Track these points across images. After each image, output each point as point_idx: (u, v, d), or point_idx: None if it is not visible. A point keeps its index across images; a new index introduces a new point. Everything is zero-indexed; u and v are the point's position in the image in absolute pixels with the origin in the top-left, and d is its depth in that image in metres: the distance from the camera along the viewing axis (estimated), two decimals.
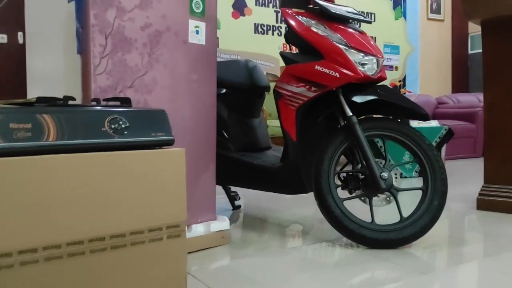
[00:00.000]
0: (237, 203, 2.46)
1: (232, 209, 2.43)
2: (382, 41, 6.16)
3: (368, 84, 1.75)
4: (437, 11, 6.78)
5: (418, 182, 1.74)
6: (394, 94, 1.75)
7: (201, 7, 1.69)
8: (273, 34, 5.31)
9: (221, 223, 1.77)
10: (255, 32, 5.26)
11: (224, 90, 2.09)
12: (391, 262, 1.52)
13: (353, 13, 1.83)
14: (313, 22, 1.76)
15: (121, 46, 1.48)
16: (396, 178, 1.74)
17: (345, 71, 1.68)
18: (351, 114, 1.72)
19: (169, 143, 1.17)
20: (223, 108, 2.11)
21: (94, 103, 1.29)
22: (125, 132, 1.08)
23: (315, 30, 1.74)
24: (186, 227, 1.68)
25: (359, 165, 1.77)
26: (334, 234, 1.80)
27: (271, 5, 5.34)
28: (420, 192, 1.73)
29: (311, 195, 1.79)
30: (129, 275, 1.06)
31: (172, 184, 1.13)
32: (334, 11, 1.73)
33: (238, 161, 1.99)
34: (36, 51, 1.71)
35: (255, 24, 5.24)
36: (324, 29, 1.74)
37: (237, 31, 5.10)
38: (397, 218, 1.70)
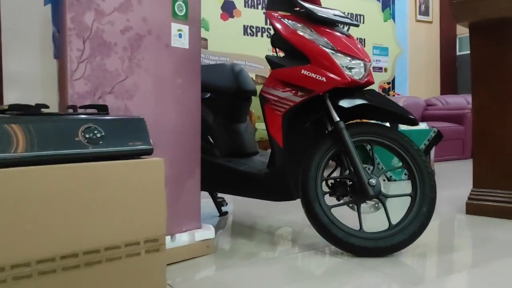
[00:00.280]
0: (224, 209, 2.42)
1: (219, 216, 2.38)
2: (371, 42, 6.16)
3: (355, 88, 1.71)
4: (426, 13, 6.80)
5: (408, 185, 1.71)
6: (382, 98, 1.72)
7: (184, 10, 1.64)
8: (262, 35, 5.27)
9: (206, 232, 1.72)
10: (244, 34, 5.22)
11: (209, 95, 2.05)
12: (379, 272, 1.49)
13: (340, 16, 1.79)
14: (299, 25, 1.72)
15: (100, 50, 1.43)
16: (384, 180, 1.71)
17: (332, 75, 1.65)
18: (338, 119, 1.68)
19: (148, 152, 1.12)
20: (209, 113, 2.06)
21: (71, 110, 1.24)
22: (100, 142, 1.03)
23: (301, 33, 1.70)
24: (170, 236, 1.64)
25: (347, 171, 1.73)
26: (322, 241, 1.77)
27: (260, 6, 5.30)
28: (408, 197, 1.70)
29: (300, 200, 1.75)
30: None
31: (150, 195, 1.08)
32: (320, 14, 1.70)
33: (224, 167, 1.95)
34: (12, 55, 1.65)
35: (244, 25, 5.20)
36: (311, 33, 1.70)
37: (226, 33, 5.06)
38: (386, 225, 1.67)
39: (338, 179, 1.75)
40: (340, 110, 1.69)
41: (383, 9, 6.30)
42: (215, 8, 5.01)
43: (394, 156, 2.41)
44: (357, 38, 6.01)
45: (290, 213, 2.42)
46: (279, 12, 1.79)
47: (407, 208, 1.68)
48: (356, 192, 1.68)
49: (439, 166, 4.45)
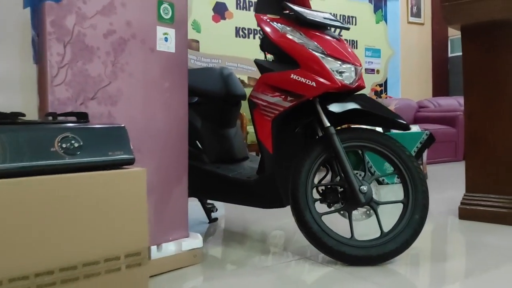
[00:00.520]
0: (214, 215, 2.37)
1: (209, 222, 2.33)
2: (364, 44, 6.15)
3: (346, 93, 1.68)
4: (417, 14, 6.81)
5: (400, 188, 1.67)
6: (373, 103, 1.69)
7: (170, 13, 1.60)
8: (254, 37, 5.23)
9: (194, 241, 1.68)
10: (236, 36, 5.18)
11: (196, 99, 2.00)
12: (371, 281, 1.45)
13: (330, 19, 1.76)
14: (288, 29, 1.68)
15: (82, 55, 1.38)
16: (376, 186, 1.68)
17: (322, 80, 1.61)
18: (328, 124, 1.64)
19: (129, 162, 1.07)
20: (197, 118, 2.01)
21: (50, 118, 1.19)
22: (78, 152, 0.98)
23: (290, 37, 1.67)
24: (156, 246, 1.59)
25: (338, 178, 1.70)
26: (313, 249, 1.72)
27: (252, 8, 5.26)
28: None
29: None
30: None
31: (132, 207, 1.04)
32: (310, 18, 1.66)
33: (212, 174, 1.90)
34: None
35: (236, 27, 5.16)
36: (300, 36, 1.66)
37: (218, 34, 5.02)
38: (377, 232, 1.63)
39: (329, 186, 1.71)
40: (331, 115, 1.65)
41: (375, 11, 6.29)
42: (206, 9, 4.97)
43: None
44: (349, 40, 6.00)
45: (282, 217, 2.38)
46: (268, 15, 1.75)
47: (399, 213, 1.65)
48: (347, 199, 1.65)
49: (432, 168, 4.44)
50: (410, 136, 3.58)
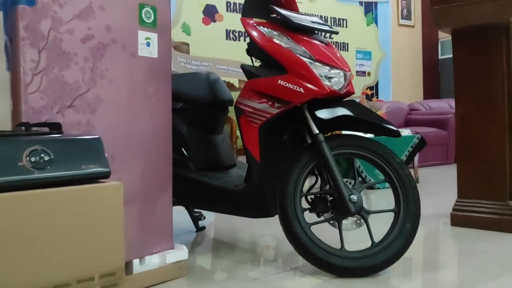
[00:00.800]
0: (201, 223, 2.31)
1: (196, 231, 2.27)
2: (355, 47, 6.13)
3: (335, 99, 1.63)
4: (408, 17, 6.81)
5: (391, 193, 1.62)
6: (363, 109, 1.64)
7: (153, 17, 1.54)
8: (245, 40, 5.18)
9: (179, 253, 1.61)
10: (226, 39, 5.13)
11: (180, 105, 1.94)
12: None
13: (319, 23, 1.71)
14: (275, 33, 1.63)
15: (58, 61, 1.32)
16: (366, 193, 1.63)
17: (310, 86, 1.56)
18: (317, 131, 1.59)
19: (104, 175, 1.01)
20: (183, 124, 1.95)
21: (22, 128, 1.13)
22: (48, 167, 0.92)
23: (277, 41, 1.61)
24: (139, 259, 1.53)
25: (328, 186, 1.65)
26: (303, 260, 1.67)
27: None
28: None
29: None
30: None
31: (107, 224, 0.98)
32: (297, 22, 1.61)
33: (198, 182, 1.84)
34: None
35: (226, 30, 5.11)
36: (287, 41, 1.61)
37: (208, 37, 4.96)
38: (368, 241, 1.58)
39: (318, 195, 1.66)
40: (320, 122, 1.60)
41: (365, 13, 6.28)
42: (196, 12, 4.91)
43: None
44: (340, 43, 5.97)
45: (272, 225, 2.32)
46: (255, 19, 1.69)
47: (390, 217, 1.60)
48: (337, 208, 1.60)
49: (423, 171, 4.41)
50: (401, 140, 3.55)
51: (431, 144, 4.60)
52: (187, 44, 4.85)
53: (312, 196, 1.69)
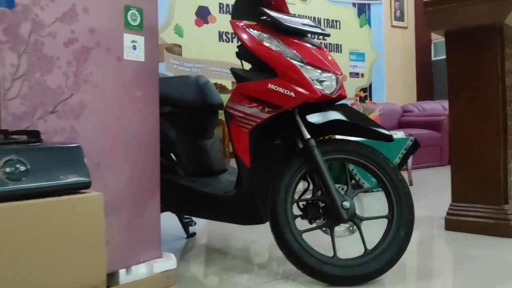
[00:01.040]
0: (192, 229, 2.26)
1: (186, 237, 2.22)
2: (348, 48, 6.12)
3: (327, 103, 1.59)
4: (401, 18, 6.80)
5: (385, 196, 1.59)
6: (355, 113, 1.61)
7: (139, 19, 1.50)
8: (238, 42, 5.13)
9: (167, 262, 1.57)
10: (219, 40, 5.09)
11: (169, 109, 1.89)
12: None
13: (310, 26, 1.67)
14: (265, 36, 1.59)
15: (40, 65, 1.27)
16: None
17: (301, 90, 1.52)
18: (309, 136, 1.55)
19: (85, 186, 0.97)
20: (172, 129, 1.91)
21: (1, 136, 1.08)
22: (24, 178, 0.87)
23: (267, 44, 1.58)
24: (125, 269, 1.48)
25: (320, 192, 1.61)
26: (294, 268, 1.63)
27: None
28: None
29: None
30: None
31: (87, 237, 0.93)
32: (287, 24, 1.57)
33: (187, 188, 1.80)
34: None
35: (219, 32, 5.07)
36: (278, 44, 1.58)
37: (200, 39, 4.92)
38: (361, 248, 1.55)
39: (310, 201, 1.62)
40: (311, 126, 1.57)
41: (359, 15, 6.27)
42: (189, 14, 4.87)
43: None
44: (333, 44, 5.95)
45: (264, 231, 2.28)
46: (245, 22, 1.66)
47: (384, 221, 1.57)
48: (329, 215, 1.56)
49: (417, 173, 4.39)
50: (394, 143, 3.51)
51: (425, 146, 4.59)
52: (180, 46, 4.81)
53: (304, 203, 1.65)
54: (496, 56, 2.09)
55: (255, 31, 1.61)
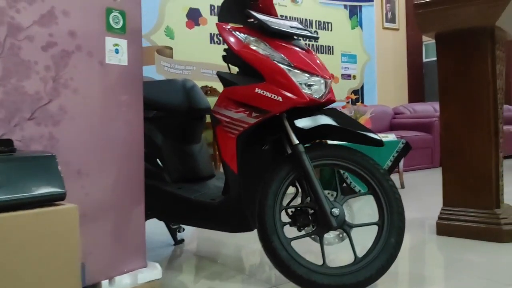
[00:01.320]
0: (180, 235, 2.22)
1: (174, 244, 2.17)
2: (340, 50, 6.10)
3: (315, 107, 1.56)
4: (392, 20, 6.81)
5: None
6: (344, 118, 1.57)
7: (121, 22, 1.45)
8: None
9: (152, 272, 1.52)
10: (211, 42, 5.05)
11: (154, 113, 1.85)
12: None
13: (298, 28, 1.64)
14: (252, 39, 1.56)
15: (17, 70, 1.22)
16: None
17: (288, 94, 1.49)
18: (297, 142, 1.52)
19: (59, 198, 0.92)
20: (158, 134, 1.86)
21: None
22: None
23: (254, 48, 1.54)
24: (108, 280, 1.43)
25: (309, 198, 1.57)
26: (282, 277, 1.59)
27: None
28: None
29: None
30: None
31: (60, 251, 0.89)
32: (274, 27, 1.53)
33: (173, 195, 1.75)
34: None
35: (210, 34, 5.03)
36: (265, 47, 1.54)
37: (192, 41, 4.88)
38: (351, 256, 1.51)
39: (299, 208, 1.58)
40: (300, 131, 1.53)
41: (350, 17, 6.25)
42: (180, 16, 4.83)
43: None
44: (325, 46, 5.93)
45: (255, 237, 2.24)
46: (231, 24, 1.62)
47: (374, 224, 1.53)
48: (319, 222, 1.52)
49: (408, 176, 4.37)
50: (385, 146, 3.49)
51: (416, 148, 4.58)
52: (171, 48, 4.75)
53: (293, 210, 1.61)
54: (487, 59, 2.07)
55: (242, 34, 1.57)
